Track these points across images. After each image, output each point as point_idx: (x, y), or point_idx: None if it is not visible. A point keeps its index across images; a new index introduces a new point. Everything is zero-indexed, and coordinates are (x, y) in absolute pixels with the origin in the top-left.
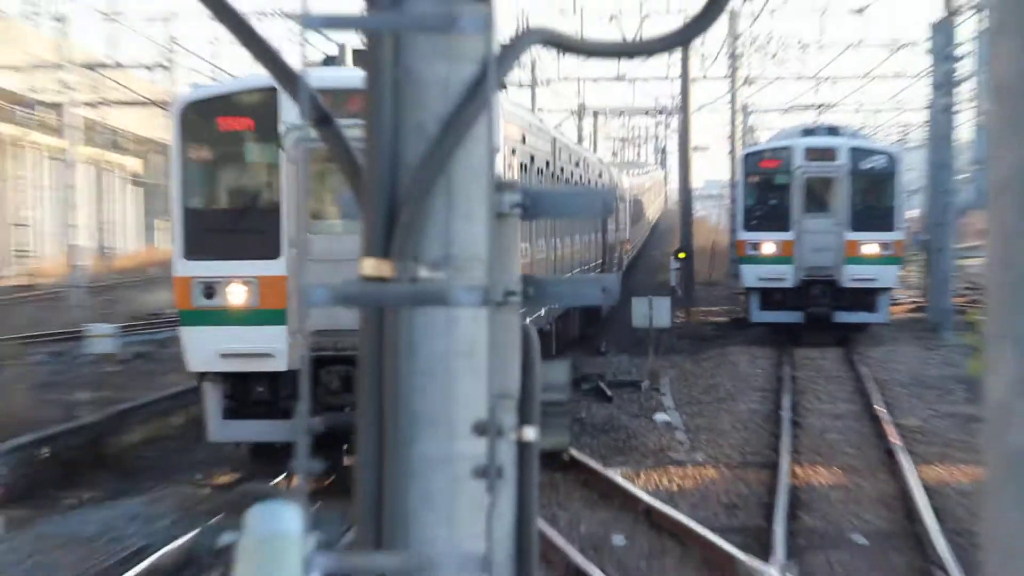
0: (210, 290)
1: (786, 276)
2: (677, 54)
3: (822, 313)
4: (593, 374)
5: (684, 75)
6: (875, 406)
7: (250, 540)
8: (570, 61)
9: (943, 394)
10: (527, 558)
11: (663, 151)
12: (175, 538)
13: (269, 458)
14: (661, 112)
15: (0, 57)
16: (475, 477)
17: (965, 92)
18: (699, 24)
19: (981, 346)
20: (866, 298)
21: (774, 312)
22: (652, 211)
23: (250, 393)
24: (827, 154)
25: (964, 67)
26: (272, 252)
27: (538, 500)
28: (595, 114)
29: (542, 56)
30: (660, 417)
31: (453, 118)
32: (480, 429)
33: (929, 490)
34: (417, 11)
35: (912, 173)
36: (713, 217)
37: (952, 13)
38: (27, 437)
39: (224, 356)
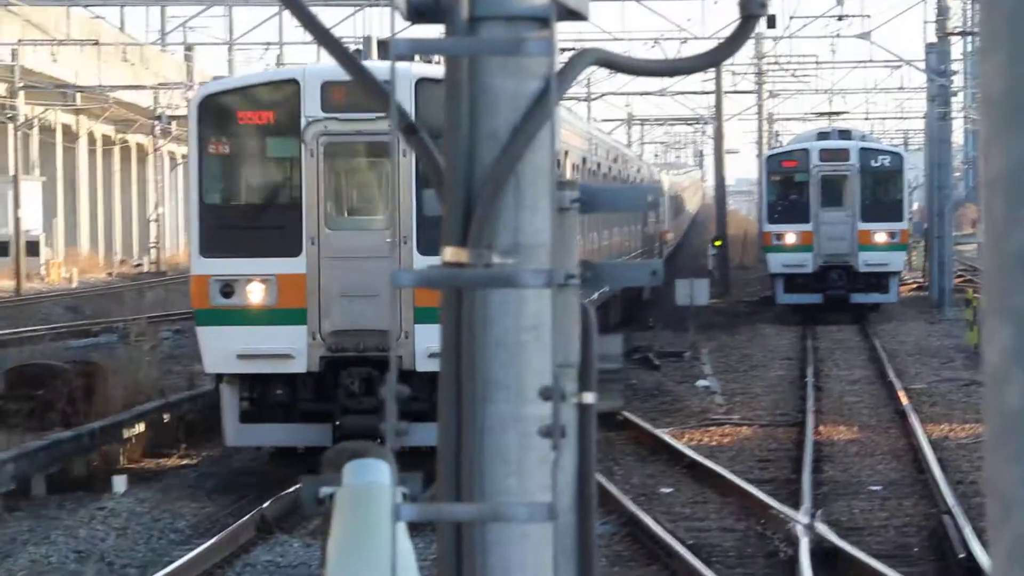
0: (228, 288)
1: (807, 263)
2: (711, 72)
3: (840, 295)
4: (642, 346)
5: (717, 89)
6: (887, 372)
7: (347, 491)
8: (620, 78)
9: (945, 362)
10: (587, 506)
11: (700, 154)
12: (283, 489)
13: (292, 460)
14: (698, 121)
15: (137, 78)
16: (541, 435)
17: (956, 103)
18: (730, 47)
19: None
20: (878, 281)
21: (797, 295)
22: (691, 205)
23: (269, 395)
24: (840, 155)
25: (955, 82)
26: (292, 249)
27: (596, 455)
28: (642, 123)
29: (597, 73)
30: (701, 383)
31: (521, 126)
32: (545, 394)
33: (935, 444)
34: (490, 37)
35: (914, 171)
36: (744, 210)
37: (944, 36)
38: (154, 403)
39: (242, 357)
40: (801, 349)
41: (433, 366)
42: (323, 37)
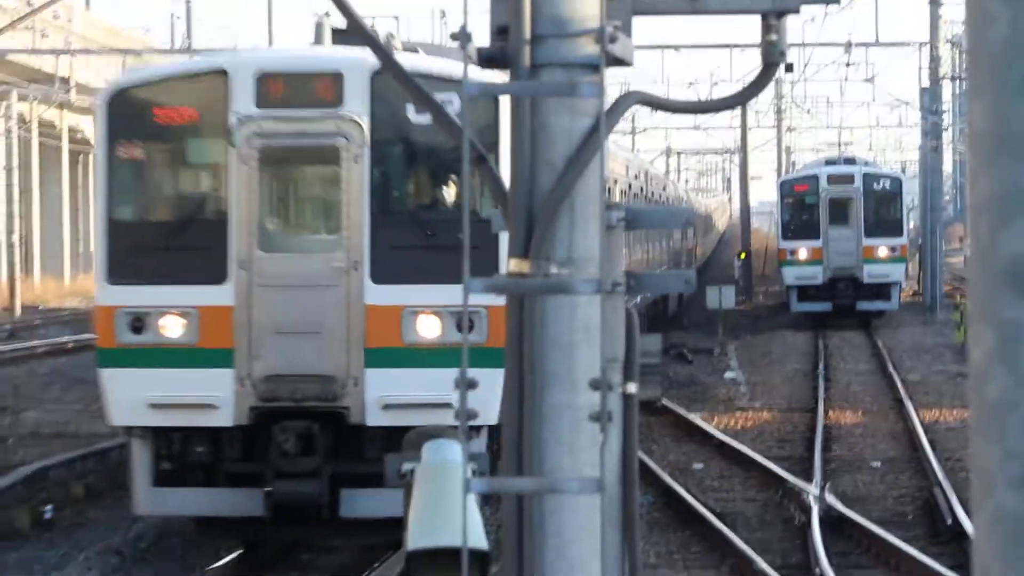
0: (138, 323)
1: (817, 275)
2: (738, 109)
3: (847, 303)
4: (677, 344)
5: (743, 125)
6: (887, 366)
7: (425, 467)
8: (660, 115)
9: (936, 357)
10: (630, 480)
11: (728, 180)
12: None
13: (220, 528)
14: (726, 151)
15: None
16: (591, 420)
17: (947, 137)
18: (754, 89)
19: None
20: (881, 290)
21: (809, 303)
22: (720, 224)
23: (188, 454)
24: (846, 179)
25: (946, 120)
26: (217, 275)
27: (638, 437)
28: (678, 153)
29: (640, 111)
30: (728, 375)
31: (575, 157)
32: (595, 385)
33: (927, 427)
34: (549, 81)
35: (910, 195)
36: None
37: (937, 81)
38: None
39: (155, 407)
40: (813, 346)
41: (388, 420)
42: (392, 66)
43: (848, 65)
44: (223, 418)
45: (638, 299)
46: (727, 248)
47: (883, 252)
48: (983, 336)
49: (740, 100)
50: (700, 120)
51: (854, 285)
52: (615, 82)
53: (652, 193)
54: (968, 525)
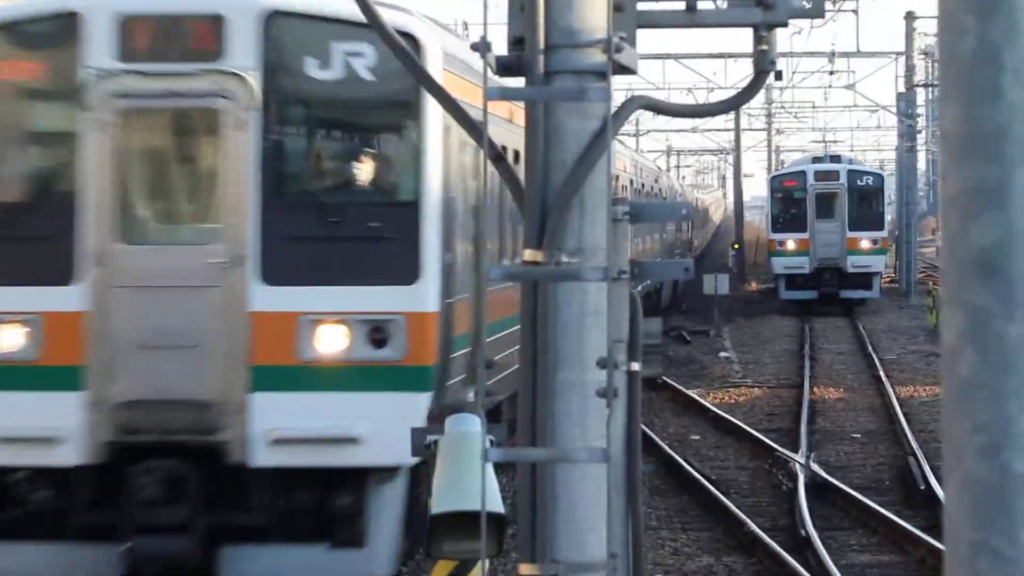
0: None
1: (804, 265)
2: (732, 113)
3: (832, 292)
4: (677, 326)
5: (736, 127)
6: (866, 346)
7: (448, 438)
8: (662, 118)
9: (911, 338)
10: (634, 450)
11: (723, 178)
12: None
13: None
14: (722, 151)
15: None
16: (598, 396)
17: (920, 139)
18: (746, 94)
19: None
20: (863, 280)
21: (796, 291)
22: (716, 218)
23: (25, 500)
24: (831, 175)
25: (920, 123)
26: (63, 274)
27: (641, 411)
28: (678, 153)
29: (643, 115)
30: (722, 354)
31: (584, 156)
32: (602, 363)
33: (902, 402)
34: (561, 86)
35: (888, 190)
36: (756, 221)
37: (911, 88)
38: None
39: None
40: (800, 329)
41: (279, 459)
42: (404, 57)
43: (831, 73)
44: (70, 455)
45: (639, 288)
46: (723, 239)
47: (865, 244)
48: (953, 319)
49: (734, 104)
50: (698, 123)
51: (838, 274)
52: (621, 88)
53: (643, 185)
54: (939, 491)
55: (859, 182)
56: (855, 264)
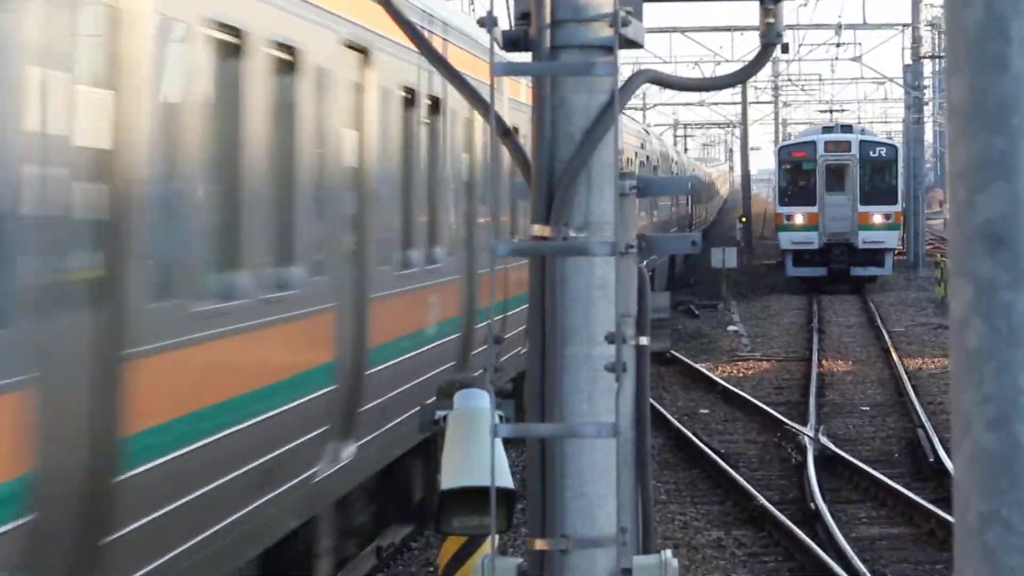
0: None
1: (813, 240)
2: (739, 86)
3: (841, 269)
4: (685, 300)
5: (743, 100)
6: (875, 319)
7: (457, 414)
8: (668, 92)
9: (919, 310)
10: (643, 424)
11: (730, 151)
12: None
13: None
14: (729, 125)
15: None
16: (607, 370)
17: (927, 111)
18: (753, 68)
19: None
20: (875, 256)
21: (804, 268)
22: (723, 191)
23: None
24: (842, 146)
25: (927, 95)
26: None
27: (649, 386)
28: (685, 126)
29: (650, 89)
30: (731, 328)
31: (591, 130)
32: (610, 338)
33: (911, 375)
34: (568, 60)
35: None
36: (764, 194)
37: (918, 59)
38: None
39: None
40: (808, 302)
41: None
42: (419, 41)
43: (838, 45)
44: None
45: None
46: (731, 212)
47: (878, 219)
48: (961, 291)
49: (741, 78)
50: (705, 96)
51: (848, 250)
52: (627, 62)
53: (660, 162)
54: (948, 463)
55: (871, 153)
56: (866, 240)
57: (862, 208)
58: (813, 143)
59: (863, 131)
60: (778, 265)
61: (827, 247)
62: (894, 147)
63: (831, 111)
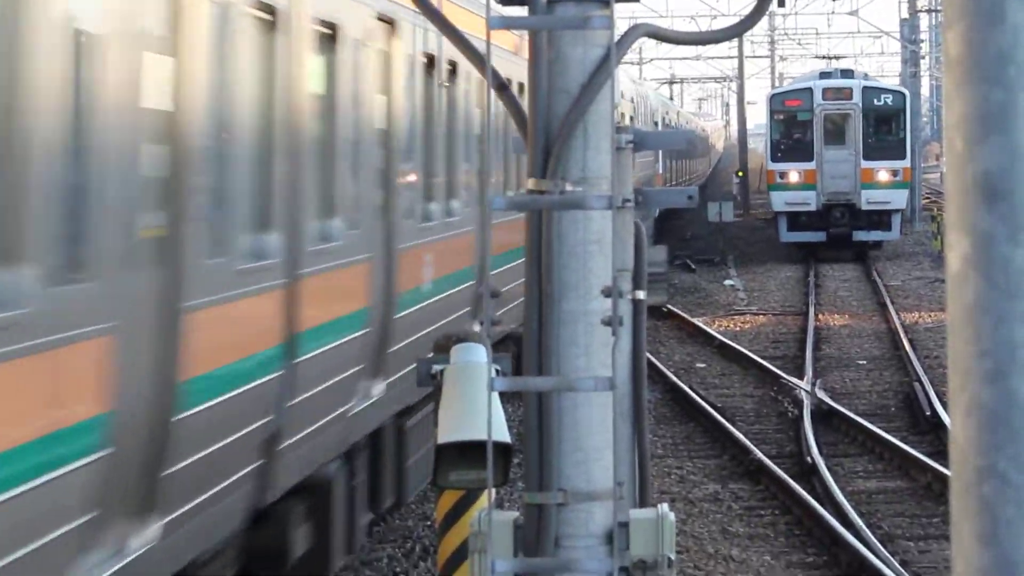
0: None
1: (810, 201)
2: (736, 40)
3: (843, 233)
4: (682, 253)
5: (740, 55)
6: (871, 272)
7: (454, 368)
8: (664, 46)
9: (916, 264)
10: (639, 379)
11: (727, 106)
12: None
13: None
14: (725, 79)
15: None
16: (603, 324)
17: (924, 64)
18: (749, 21)
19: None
20: (880, 218)
21: (800, 232)
22: (718, 146)
23: None
24: (843, 93)
25: (923, 48)
26: None
27: (646, 340)
28: (681, 81)
29: (646, 43)
30: (727, 282)
31: (588, 84)
32: (606, 292)
33: (907, 328)
34: (564, 14)
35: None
36: (760, 148)
37: (915, 12)
38: None
39: None
40: (805, 256)
41: None
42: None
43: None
44: None
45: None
46: (728, 166)
47: (883, 176)
48: (958, 244)
49: (737, 31)
50: (701, 50)
51: (850, 212)
52: (624, 16)
53: (656, 116)
54: (945, 416)
55: (876, 101)
56: (870, 200)
57: (865, 164)
58: (809, 90)
59: (866, 76)
60: (775, 217)
61: (826, 208)
62: (902, 94)
63: (828, 59)
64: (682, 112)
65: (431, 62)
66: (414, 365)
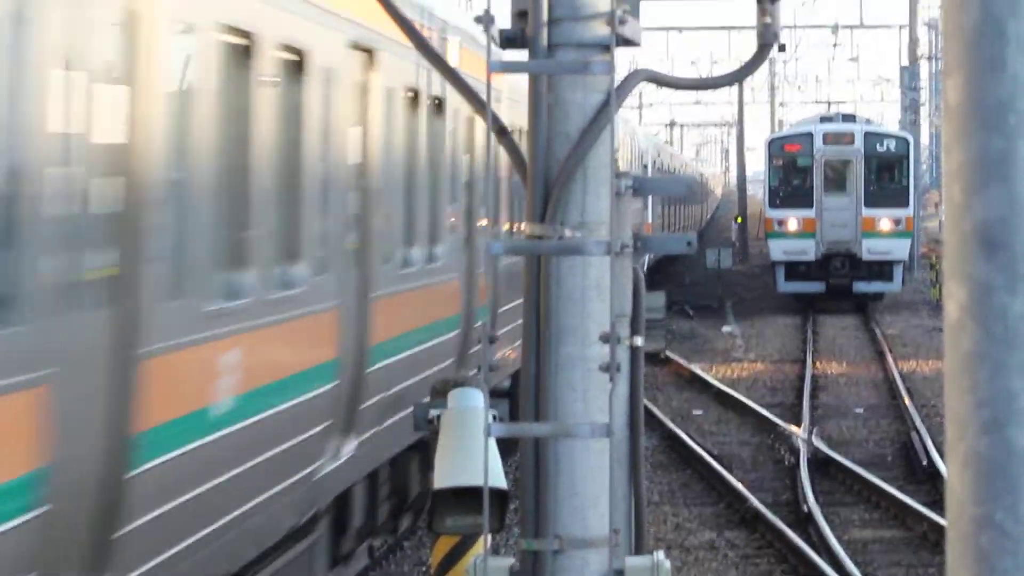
0: None
1: (808, 250)
2: (736, 86)
3: (843, 284)
4: (680, 300)
5: (740, 100)
6: (869, 321)
7: (451, 413)
8: (665, 91)
9: (914, 312)
10: (637, 425)
11: (726, 152)
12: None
13: None
14: (725, 124)
15: None
16: (601, 370)
17: (924, 112)
18: (750, 67)
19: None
20: (882, 269)
21: (798, 282)
22: (717, 192)
23: None
24: (844, 138)
25: (923, 96)
26: None
27: (643, 386)
28: (681, 126)
29: (646, 88)
30: (725, 329)
31: (588, 129)
32: (605, 337)
33: (905, 377)
34: (564, 59)
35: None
36: (760, 195)
37: (915, 60)
38: None
39: None
40: (802, 304)
41: None
42: (414, 37)
43: (835, 46)
44: None
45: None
46: (727, 212)
47: (885, 225)
48: (956, 293)
49: (738, 77)
50: (701, 96)
51: (851, 262)
52: (624, 61)
53: (657, 163)
54: (942, 466)
55: (878, 147)
56: (872, 250)
57: (867, 212)
58: (809, 134)
59: (868, 121)
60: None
61: (825, 258)
62: (905, 140)
63: (828, 104)
64: (676, 154)
65: (416, 97)
66: (388, 423)
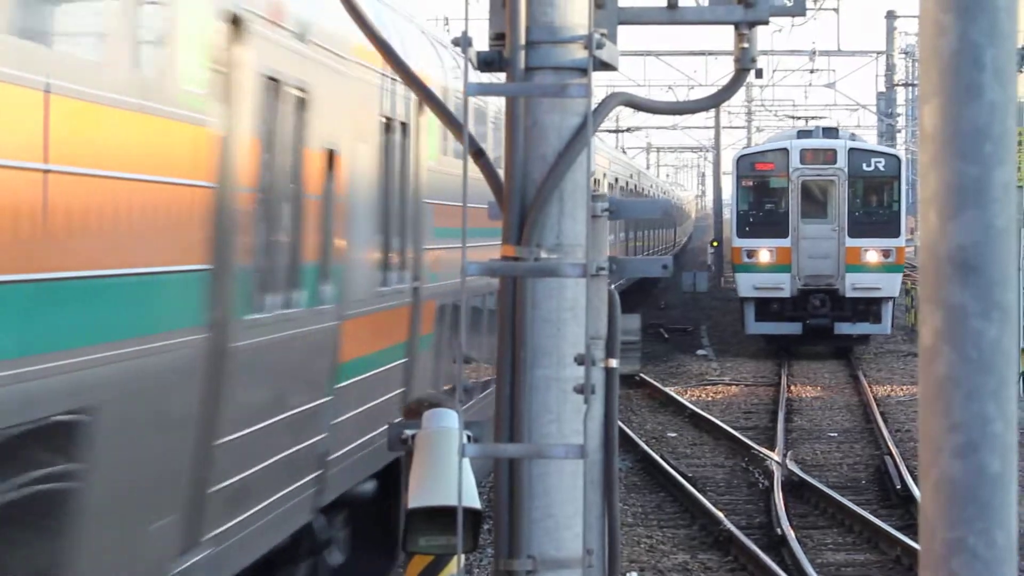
0: None
1: (783, 285)
2: (713, 111)
3: (822, 325)
4: (655, 322)
5: (716, 125)
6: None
7: (425, 433)
8: (642, 115)
9: (888, 337)
10: (610, 447)
11: (703, 176)
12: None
13: None
14: (702, 149)
15: None
16: (576, 392)
17: (900, 138)
18: (727, 92)
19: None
20: (868, 308)
21: (771, 323)
22: (692, 216)
23: None
24: (825, 156)
25: (899, 122)
26: None
27: (618, 408)
28: (657, 150)
29: (623, 111)
30: (700, 352)
31: (564, 152)
32: (580, 359)
33: (879, 401)
34: (542, 82)
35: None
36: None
37: (891, 87)
38: None
39: None
40: (776, 349)
41: None
42: (387, 52)
43: (812, 71)
44: None
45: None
46: (703, 237)
47: (872, 257)
48: (931, 318)
49: (715, 102)
50: (678, 120)
51: (832, 300)
52: (601, 84)
53: (629, 184)
54: (915, 490)
55: (864, 166)
56: (856, 285)
57: (851, 242)
58: (784, 150)
59: (853, 137)
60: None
61: (802, 295)
62: (896, 158)
63: (805, 119)
64: (645, 174)
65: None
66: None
